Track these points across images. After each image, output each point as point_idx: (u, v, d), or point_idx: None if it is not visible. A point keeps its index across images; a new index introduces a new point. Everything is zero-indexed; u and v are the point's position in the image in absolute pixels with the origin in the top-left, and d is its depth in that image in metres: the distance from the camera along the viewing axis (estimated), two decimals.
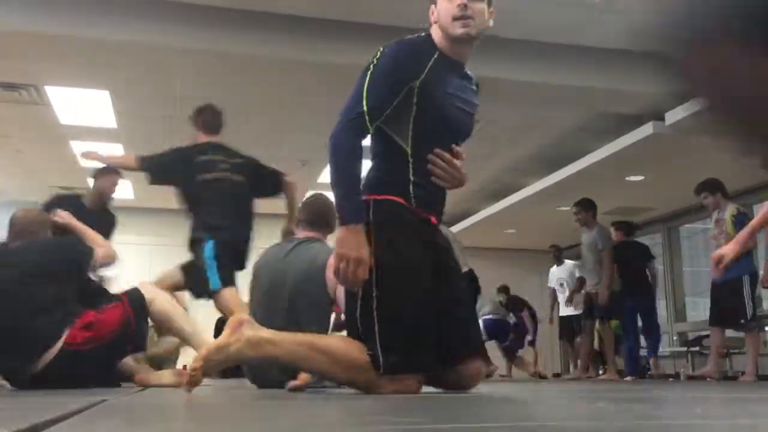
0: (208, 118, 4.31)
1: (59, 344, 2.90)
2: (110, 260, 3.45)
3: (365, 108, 2.14)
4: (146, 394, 2.37)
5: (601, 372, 8.00)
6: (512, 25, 5.42)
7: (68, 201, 4.65)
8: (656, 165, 7.51)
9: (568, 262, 8.88)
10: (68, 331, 2.92)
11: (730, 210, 5.81)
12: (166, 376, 3.28)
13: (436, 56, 2.26)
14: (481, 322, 7.59)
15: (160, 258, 8.96)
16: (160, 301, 3.21)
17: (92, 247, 3.35)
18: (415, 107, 2.22)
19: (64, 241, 3.44)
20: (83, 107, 6.60)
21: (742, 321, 5.75)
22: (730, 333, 6.34)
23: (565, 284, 8.60)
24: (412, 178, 2.23)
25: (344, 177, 2.14)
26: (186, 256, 4.11)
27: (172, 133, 7.42)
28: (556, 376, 10.46)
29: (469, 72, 2.41)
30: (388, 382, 2.08)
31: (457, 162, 2.27)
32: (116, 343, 3.03)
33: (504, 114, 6.65)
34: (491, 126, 6.89)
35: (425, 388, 2.23)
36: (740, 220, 5.71)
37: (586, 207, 6.82)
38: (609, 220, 7.34)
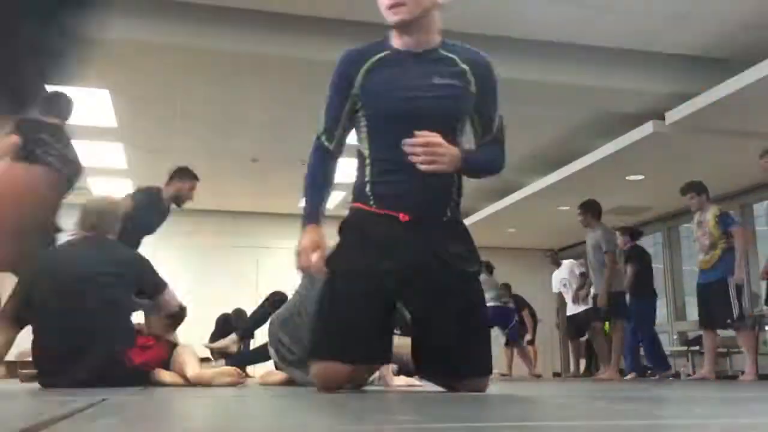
0: (63, 103, 4.29)
1: (121, 350, 2.92)
2: (172, 306, 3.36)
3: (321, 129, 2.29)
4: (147, 393, 2.37)
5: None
6: (512, 24, 5.42)
7: (150, 196, 5.13)
8: (656, 164, 7.51)
9: (566, 262, 8.88)
10: (130, 345, 2.97)
11: (712, 211, 5.95)
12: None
13: (382, 55, 2.20)
14: None
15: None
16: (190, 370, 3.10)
17: (166, 282, 3.30)
18: (362, 112, 2.22)
19: (150, 266, 3.29)
20: (83, 106, 6.58)
21: (729, 321, 5.80)
22: (729, 332, 6.37)
23: (567, 284, 8.58)
24: (368, 178, 2.23)
25: (306, 191, 2.31)
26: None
27: (172, 131, 7.42)
28: (557, 375, 10.47)
29: (450, 54, 2.22)
30: (315, 368, 2.20)
31: (434, 139, 2.11)
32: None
33: (504, 113, 6.63)
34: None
35: (426, 387, 2.23)
36: (724, 220, 5.83)
37: (587, 208, 6.79)
38: (609, 220, 7.32)
